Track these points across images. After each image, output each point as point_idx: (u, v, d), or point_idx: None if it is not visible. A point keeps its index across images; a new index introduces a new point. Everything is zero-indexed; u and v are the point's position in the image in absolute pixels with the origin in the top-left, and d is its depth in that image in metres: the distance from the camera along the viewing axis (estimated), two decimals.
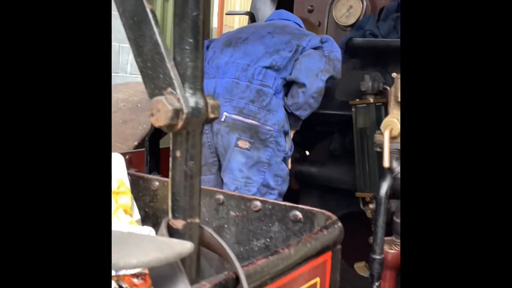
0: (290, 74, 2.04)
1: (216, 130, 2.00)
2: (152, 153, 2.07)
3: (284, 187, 2.11)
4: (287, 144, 2.08)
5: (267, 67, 2.02)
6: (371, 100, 2.25)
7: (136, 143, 2.43)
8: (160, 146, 2.26)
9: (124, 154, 2.07)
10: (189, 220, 0.78)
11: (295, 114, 2.06)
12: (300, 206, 1.30)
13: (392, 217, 1.97)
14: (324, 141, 2.86)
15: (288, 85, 2.07)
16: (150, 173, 2.08)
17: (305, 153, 2.83)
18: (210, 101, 0.78)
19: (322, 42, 2.12)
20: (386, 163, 1.74)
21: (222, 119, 1.98)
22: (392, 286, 1.98)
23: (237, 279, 0.82)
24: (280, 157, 2.03)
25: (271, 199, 1.92)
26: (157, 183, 1.53)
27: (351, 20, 2.52)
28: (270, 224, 1.35)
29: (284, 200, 2.79)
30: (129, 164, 2.03)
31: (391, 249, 1.96)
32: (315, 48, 2.11)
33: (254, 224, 1.37)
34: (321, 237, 1.10)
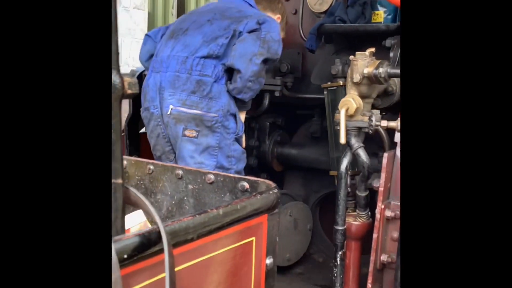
0: None
1: (166, 122, 2.11)
2: (131, 137, 2.22)
3: (240, 166, 2.21)
4: (237, 125, 2.17)
5: (205, 57, 2.09)
6: (341, 83, 2.37)
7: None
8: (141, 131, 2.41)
9: None
10: (112, 181, 0.92)
11: (238, 97, 2.16)
12: (247, 177, 1.43)
13: (355, 192, 2.09)
14: (305, 124, 2.98)
15: (230, 70, 2.15)
16: (130, 155, 2.22)
17: (286, 136, 2.96)
18: (127, 79, 0.91)
19: (259, 23, 2.15)
20: (342, 140, 1.86)
21: (168, 112, 2.08)
22: (357, 255, 2.11)
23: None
24: (230, 139, 2.12)
25: None
26: (125, 161, 1.67)
27: (324, 7, 2.63)
28: (223, 195, 1.48)
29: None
30: None
31: (355, 221, 2.08)
32: (253, 31, 2.14)
33: (209, 195, 1.50)
34: (253, 201, 1.22)
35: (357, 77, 1.87)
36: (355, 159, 2.02)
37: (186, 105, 2.04)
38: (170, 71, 2.09)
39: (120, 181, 0.93)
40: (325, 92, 2.46)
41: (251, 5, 2.35)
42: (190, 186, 1.55)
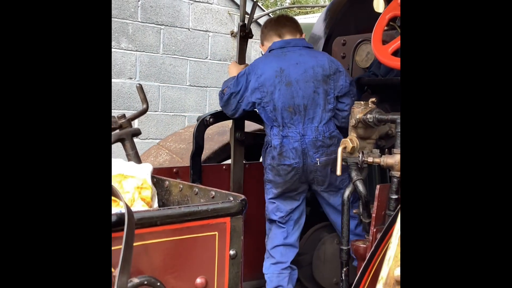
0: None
1: (314, 169, 2.72)
2: (193, 168, 2.83)
3: None
4: None
5: (327, 122, 2.74)
6: None
7: None
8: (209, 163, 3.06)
9: (172, 168, 2.88)
10: None
11: None
12: (233, 193, 1.94)
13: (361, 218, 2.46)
14: None
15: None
16: (193, 183, 2.83)
17: None
18: None
19: (350, 84, 2.79)
20: (338, 172, 2.28)
21: (317, 163, 2.73)
22: None
23: None
24: None
25: None
26: (167, 182, 2.28)
27: (368, 63, 3.05)
28: None
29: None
30: (177, 175, 2.83)
31: (363, 244, 2.45)
32: (346, 93, 2.77)
33: None
34: (214, 205, 1.74)
35: (352, 122, 2.30)
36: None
37: (328, 155, 2.70)
38: (308, 138, 2.73)
39: None
40: None
41: (309, 47, 2.89)
42: (202, 200, 2.10)
